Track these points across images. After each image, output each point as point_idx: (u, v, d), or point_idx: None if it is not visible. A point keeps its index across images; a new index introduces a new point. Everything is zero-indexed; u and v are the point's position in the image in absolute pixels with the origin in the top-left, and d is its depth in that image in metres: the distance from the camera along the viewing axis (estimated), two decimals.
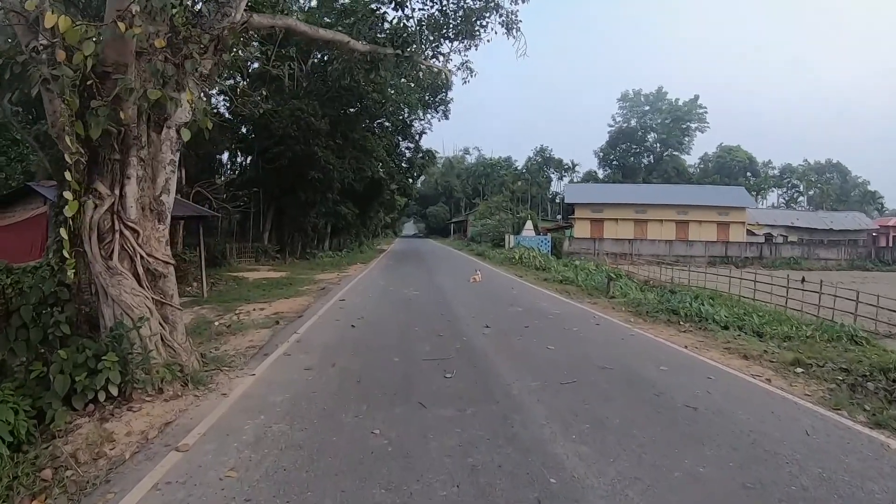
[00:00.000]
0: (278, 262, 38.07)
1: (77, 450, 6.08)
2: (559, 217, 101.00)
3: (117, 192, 7.93)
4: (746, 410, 7.48)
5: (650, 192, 70.76)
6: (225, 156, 43.10)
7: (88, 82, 7.07)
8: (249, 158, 42.48)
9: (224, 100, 38.47)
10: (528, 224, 57.23)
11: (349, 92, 38.67)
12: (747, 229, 65.59)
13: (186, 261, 25.29)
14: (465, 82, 22.57)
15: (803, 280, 25.96)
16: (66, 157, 7.09)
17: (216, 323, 14.61)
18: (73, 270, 7.45)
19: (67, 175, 7.00)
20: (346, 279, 27.47)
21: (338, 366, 9.60)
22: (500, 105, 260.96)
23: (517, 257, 40.08)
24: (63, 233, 7.07)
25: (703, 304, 17.32)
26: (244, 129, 40.46)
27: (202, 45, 8.32)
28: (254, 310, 16.93)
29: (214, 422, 6.88)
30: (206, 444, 6.22)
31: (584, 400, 7.75)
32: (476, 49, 21.50)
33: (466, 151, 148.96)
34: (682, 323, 15.08)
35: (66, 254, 7.19)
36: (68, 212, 7.04)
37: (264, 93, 39.37)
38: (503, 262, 40.61)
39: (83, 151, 7.51)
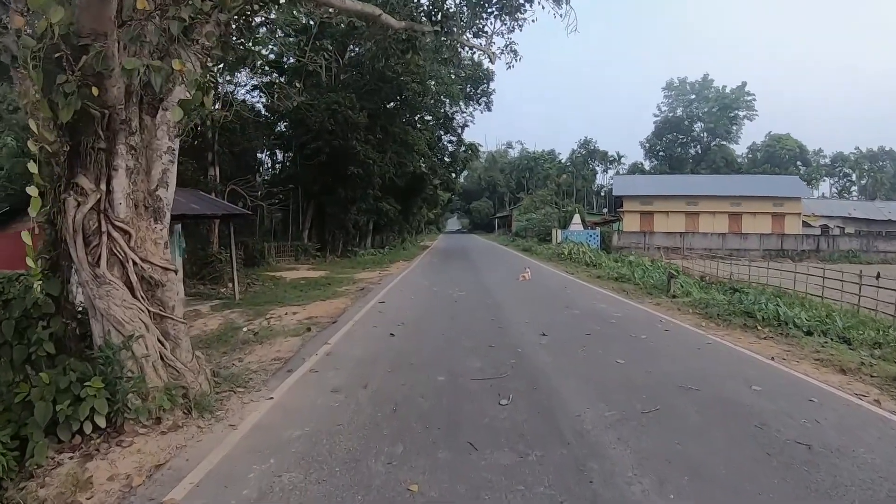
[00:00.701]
0: (318, 260, 37.15)
1: (46, 500, 4.98)
2: (605, 210, 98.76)
3: (103, 186, 6.57)
4: (869, 447, 5.94)
5: (701, 182, 68.04)
6: (264, 154, 42.26)
7: (58, 54, 5.74)
8: (288, 156, 41.46)
9: (259, 95, 37.68)
10: (576, 218, 55.17)
11: (388, 84, 37.46)
12: (802, 221, 62.52)
13: (222, 261, 24.56)
14: (510, 66, 20.97)
15: (878, 276, 23.71)
16: (30, 144, 5.84)
17: (245, 329, 13.67)
18: (40, 281, 6.19)
19: (31, 167, 5.73)
20: (388, 278, 26.16)
21: (370, 387, 8.13)
22: (542, 98, 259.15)
23: (566, 253, 38.27)
24: (25, 237, 5.78)
25: (780, 306, 15.44)
26: (282, 126, 39.50)
27: (198, 8, 6.79)
28: (286, 314, 15.82)
29: (213, 466, 5.57)
30: (197, 499, 4.91)
31: (674, 437, 6.15)
32: (521, 29, 20.00)
33: (509, 145, 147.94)
34: (759, 328, 13.29)
35: (29, 262, 5.95)
36: (31, 211, 5.80)
37: (298, 85, 38.51)
38: (551, 258, 38.88)
39: (60, 139, 6.24)
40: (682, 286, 20.67)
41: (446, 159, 56.70)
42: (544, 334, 11.89)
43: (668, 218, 60.35)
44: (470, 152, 58.42)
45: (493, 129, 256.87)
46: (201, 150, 31.29)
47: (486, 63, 53.94)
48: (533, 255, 44.45)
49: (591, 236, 48.97)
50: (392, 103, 41.27)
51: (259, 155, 40.07)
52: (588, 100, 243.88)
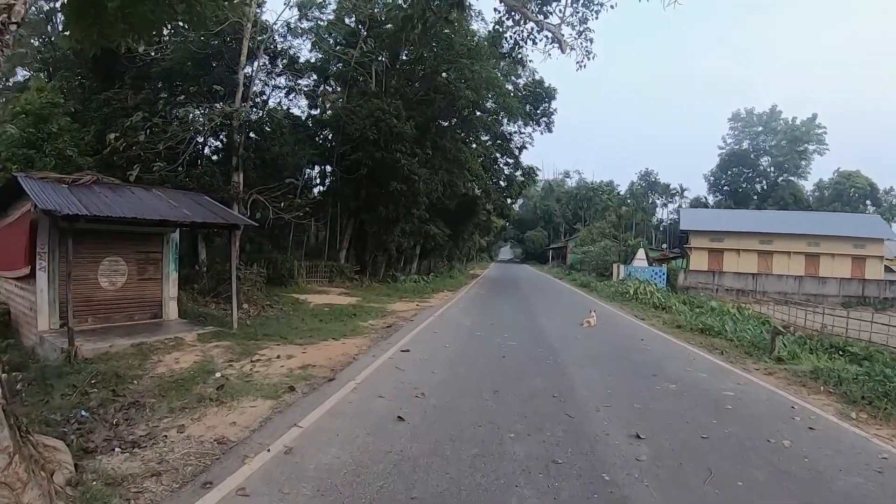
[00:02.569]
0: (355, 284, 33.56)
1: None
2: (664, 246, 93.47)
3: None
4: None
5: (775, 219, 61.88)
6: (304, 166, 38.86)
7: None
8: (328, 168, 37.92)
9: (295, 98, 34.46)
10: (640, 253, 50.20)
11: (440, 95, 33.81)
12: (885, 265, 56.31)
13: (240, 278, 20.96)
14: (581, 66, 16.99)
15: None
16: None
17: (218, 374, 10.59)
18: None
19: None
20: (425, 312, 22.21)
21: None
22: (601, 127, 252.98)
23: (631, 292, 33.66)
24: None
25: None
26: (324, 137, 36.07)
27: None
28: (279, 356, 12.32)
29: None
30: None
31: None
32: (596, 17, 16.14)
33: (567, 174, 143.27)
34: None
35: None
36: None
37: (338, 88, 35.08)
38: (614, 298, 34.19)
39: None
40: (784, 345, 16.27)
41: (501, 183, 52.69)
42: (638, 437, 7.49)
43: (738, 257, 54.87)
44: (527, 176, 54.11)
45: (551, 156, 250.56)
46: (227, 155, 28.21)
47: (547, 82, 51.31)
48: (592, 292, 39.79)
49: (656, 274, 44.13)
50: (444, 120, 37.50)
51: (304, 168, 36.67)
52: (650, 131, 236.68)
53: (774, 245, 54.81)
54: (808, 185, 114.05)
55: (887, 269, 55.97)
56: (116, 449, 6.71)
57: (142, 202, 15.07)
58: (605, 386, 10.44)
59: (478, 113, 38.51)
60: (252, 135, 27.49)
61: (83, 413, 8.08)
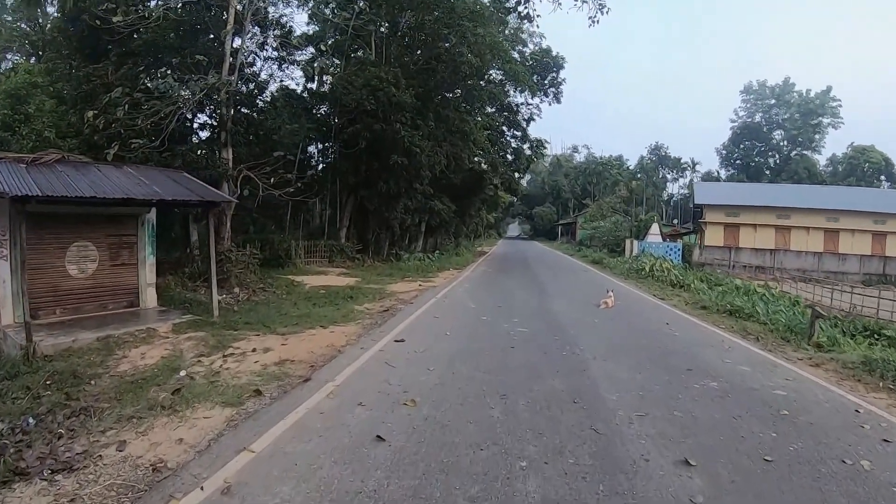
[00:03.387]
0: (356, 264, 32.01)
1: None
2: (675, 221, 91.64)
3: None
4: None
5: (794, 193, 59.05)
6: (303, 141, 36.95)
7: None
8: (328, 144, 36.10)
9: (288, 70, 32.64)
10: (654, 228, 48.20)
11: (442, 64, 31.93)
12: None
13: (232, 260, 20.18)
14: (594, 22, 15.24)
15: None
16: None
17: (183, 373, 9.21)
18: None
19: None
20: (427, 294, 20.59)
21: None
22: (609, 102, 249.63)
23: (647, 269, 31.87)
24: None
25: None
26: (322, 111, 34.24)
27: None
28: (255, 350, 10.89)
29: None
30: None
31: None
32: None
33: (575, 149, 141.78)
34: None
35: None
36: None
37: (336, 61, 33.23)
38: (629, 275, 32.42)
39: None
40: (821, 328, 14.63)
41: (509, 157, 50.71)
42: (688, 462, 5.79)
43: (755, 232, 52.59)
44: (535, 148, 52.05)
45: (559, 132, 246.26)
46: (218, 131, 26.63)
47: (554, 50, 49.45)
48: (605, 269, 37.98)
49: (671, 250, 42.33)
50: (448, 91, 35.57)
51: (301, 144, 34.88)
52: (659, 104, 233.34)
53: (792, 220, 52.55)
54: (821, 160, 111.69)
55: None
56: (40, 474, 5.53)
57: (108, 181, 13.55)
58: (636, 385, 8.78)
59: (482, 83, 36.68)
60: (243, 109, 25.91)
61: (30, 421, 6.93)
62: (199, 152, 22.69)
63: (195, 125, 27.32)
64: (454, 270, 33.05)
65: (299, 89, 34.46)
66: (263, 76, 30.78)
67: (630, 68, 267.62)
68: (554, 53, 47.74)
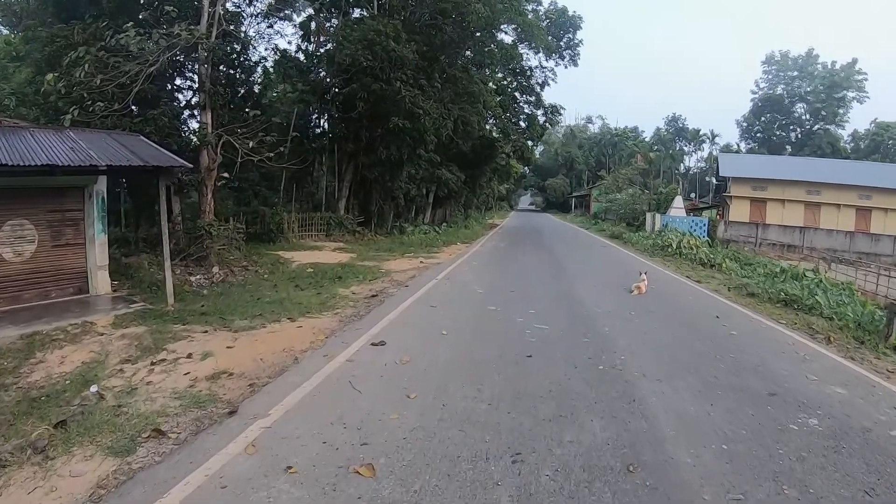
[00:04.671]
0: (356, 238, 29.44)
1: None
2: (692, 195, 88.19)
3: None
4: None
5: (826, 168, 55.06)
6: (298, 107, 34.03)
7: None
8: (325, 108, 33.21)
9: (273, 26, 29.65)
10: (678, 201, 44.62)
11: (448, 18, 28.84)
12: None
13: (213, 235, 18.40)
14: None
15: None
16: None
17: (94, 389, 6.98)
18: None
19: None
20: (427, 273, 17.86)
21: None
22: (626, 70, 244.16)
23: (674, 246, 28.87)
24: None
25: None
26: (317, 73, 31.29)
27: None
28: (190, 355, 8.34)
29: None
30: None
31: None
32: None
33: (589, 120, 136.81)
34: None
35: None
36: None
37: (335, 21, 30.25)
38: (654, 252, 29.42)
39: None
40: None
41: (521, 124, 47.56)
42: None
43: (783, 208, 49.56)
44: (551, 116, 48.74)
45: (573, 102, 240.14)
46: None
47: (571, 9, 46.13)
48: (627, 244, 34.81)
49: (696, 224, 39.09)
50: (456, 50, 32.45)
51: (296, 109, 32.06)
52: (676, 74, 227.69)
53: (823, 196, 49.60)
54: (844, 135, 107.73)
55: None
56: None
57: (36, 146, 11.28)
58: (713, 429, 5.93)
59: (493, 45, 33.72)
60: (224, 69, 23.17)
61: None
62: (173, 117, 20.00)
63: (176, 88, 24.78)
64: (462, 245, 30.22)
65: (293, 50, 31.53)
66: (251, 33, 27.95)
67: (646, 38, 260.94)
68: (570, 13, 44.53)
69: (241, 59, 24.07)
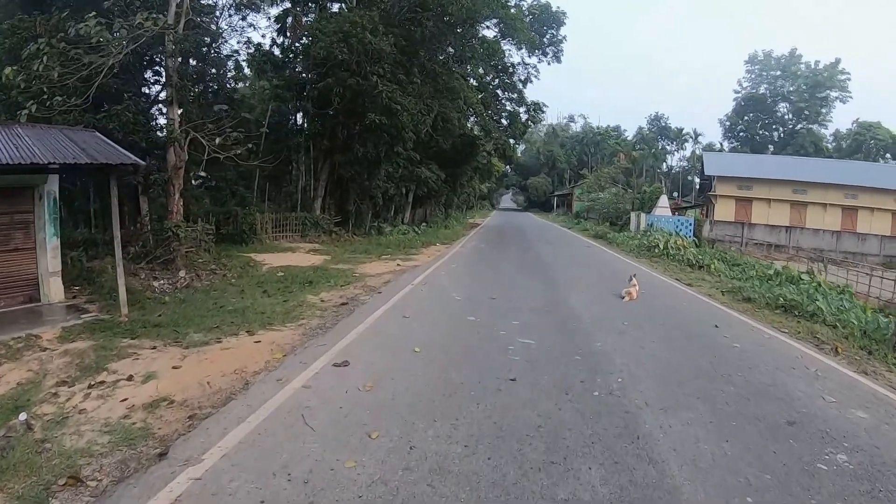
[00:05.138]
0: (333, 238, 28.31)
1: None
2: (675, 194, 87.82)
3: None
4: None
5: (812, 167, 54.42)
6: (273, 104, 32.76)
7: None
8: (302, 105, 32.04)
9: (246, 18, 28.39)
10: (663, 200, 43.88)
11: (428, 12, 27.80)
12: None
13: (179, 238, 17.43)
14: None
15: None
16: None
17: (22, 417, 6.02)
18: None
19: None
20: (403, 278, 16.78)
21: None
22: (608, 69, 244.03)
23: (661, 246, 28.00)
24: None
25: None
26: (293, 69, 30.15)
27: None
28: (131, 378, 7.27)
29: None
30: None
31: None
32: None
33: (571, 119, 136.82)
34: None
35: None
36: None
37: (312, 16, 29.11)
38: (640, 253, 28.54)
39: None
40: None
41: (503, 121, 46.55)
42: None
43: (769, 207, 48.93)
44: (533, 113, 47.54)
45: (555, 101, 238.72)
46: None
47: (554, 5, 45.25)
48: (612, 244, 33.87)
49: (682, 224, 38.39)
50: (436, 46, 31.33)
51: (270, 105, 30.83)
52: (659, 75, 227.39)
53: (809, 195, 48.96)
54: (827, 135, 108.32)
55: None
56: None
57: None
58: (734, 476, 4.91)
59: (474, 41, 32.73)
60: (195, 62, 22.41)
61: None
62: (138, 112, 18.92)
63: (144, 82, 23.58)
64: (441, 246, 29.15)
65: (268, 44, 30.36)
66: (224, 26, 26.73)
67: (627, 37, 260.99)
68: (554, 9, 43.68)
69: (212, 52, 22.98)
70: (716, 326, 11.49)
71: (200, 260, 17.73)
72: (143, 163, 13.43)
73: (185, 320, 10.46)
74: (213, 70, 23.35)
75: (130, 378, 7.19)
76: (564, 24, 43.76)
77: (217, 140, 19.18)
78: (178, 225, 17.72)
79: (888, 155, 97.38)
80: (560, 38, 43.96)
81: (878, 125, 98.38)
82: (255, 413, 6.01)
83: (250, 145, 21.38)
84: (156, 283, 14.85)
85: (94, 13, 16.18)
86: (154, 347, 8.61)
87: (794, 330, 11.84)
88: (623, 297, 13.82)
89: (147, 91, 23.66)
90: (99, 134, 13.59)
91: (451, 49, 33.48)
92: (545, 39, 43.90)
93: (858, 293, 20.42)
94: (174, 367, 7.67)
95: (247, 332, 9.73)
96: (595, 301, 13.68)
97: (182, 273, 16.05)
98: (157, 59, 21.81)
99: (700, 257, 25.58)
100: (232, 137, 19.33)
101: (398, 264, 20.06)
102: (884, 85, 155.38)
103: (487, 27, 34.68)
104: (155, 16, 17.17)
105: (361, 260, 20.93)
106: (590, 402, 6.62)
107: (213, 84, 23.47)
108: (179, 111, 19.66)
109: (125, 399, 6.49)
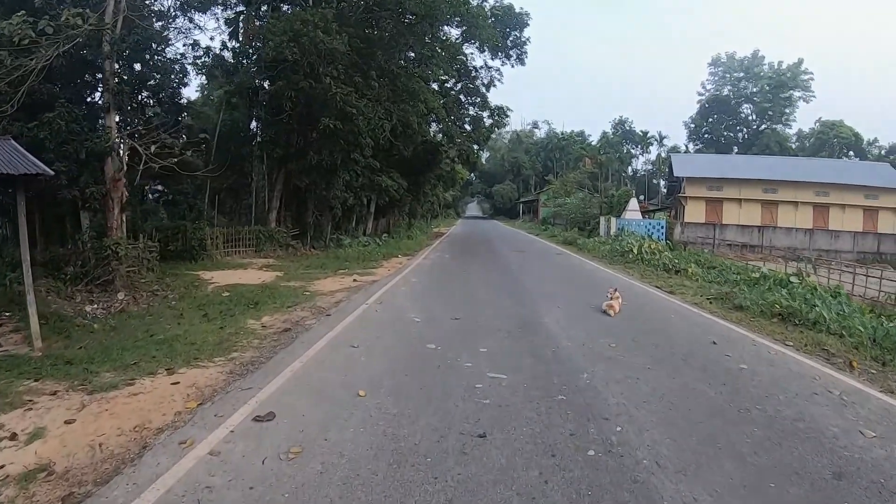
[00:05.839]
0: (290, 252, 26.76)
1: None
2: (641, 197, 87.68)
3: None
4: None
5: (782, 165, 54.95)
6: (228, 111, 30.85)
7: None
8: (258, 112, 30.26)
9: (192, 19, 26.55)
10: (633, 203, 42.75)
11: (386, 12, 26.34)
12: None
13: (119, 256, 16.14)
14: None
15: None
16: None
17: None
18: None
19: None
20: (358, 296, 15.02)
21: None
22: (570, 75, 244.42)
23: (635, 251, 26.74)
24: None
25: None
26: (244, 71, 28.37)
27: None
28: (14, 437, 5.66)
29: None
30: None
31: None
32: None
33: (535, 125, 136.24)
34: None
35: None
36: None
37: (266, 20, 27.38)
38: (613, 259, 27.28)
39: None
40: None
41: (466, 126, 45.22)
42: None
43: (740, 208, 48.47)
44: (497, 118, 46.16)
45: (519, 107, 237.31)
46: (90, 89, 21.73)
47: (517, 6, 44.09)
48: (582, 251, 32.59)
49: (654, 227, 37.32)
50: (395, 49, 29.77)
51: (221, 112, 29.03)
52: (625, 79, 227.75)
53: (780, 194, 48.94)
54: (791, 134, 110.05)
55: None
56: None
57: None
58: None
59: (435, 44, 31.39)
60: (138, 67, 20.73)
61: None
62: (71, 120, 17.20)
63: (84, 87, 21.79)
64: (403, 258, 27.48)
65: (218, 48, 28.60)
66: (170, 27, 24.89)
67: (590, 41, 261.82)
68: (517, 10, 42.59)
69: (155, 55, 21.23)
70: (714, 343, 10.03)
71: (143, 280, 16.46)
72: (52, 172, 11.65)
73: (102, 355, 8.91)
74: (157, 75, 21.55)
75: (14, 437, 5.60)
76: (528, 24, 42.70)
77: (152, 148, 17.62)
78: (118, 242, 16.40)
79: (851, 153, 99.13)
80: (524, 39, 42.88)
81: (841, 123, 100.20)
82: (139, 498, 4.38)
83: (189, 153, 19.70)
84: (89, 308, 13.58)
85: (23, 12, 14.56)
86: (55, 393, 6.96)
87: (799, 342, 10.49)
88: (604, 311, 12.34)
89: (90, 98, 21.96)
90: (13, 142, 12.00)
91: (411, 54, 32.11)
92: (508, 42, 42.78)
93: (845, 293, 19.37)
94: (67, 422, 5.98)
95: (167, 369, 8.02)
96: (573, 318, 12.08)
97: (121, 295, 14.79)
98: (99, 64, 20.12)
99: (676, 261, 24.36)
100: (168, 144, 17.77)
101: (354, 280, 18.41)
102: (845, 83, 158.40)
103: (449, 25, 33.41)
104: (81, 11, 15.58)
105: (316, 276, 19.24)
106: (585, 467, 4.97)
107: (161, 91, 21.72)
108: (118, 118, 18.17)
109: (2, 466, 4.95)
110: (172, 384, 7.40)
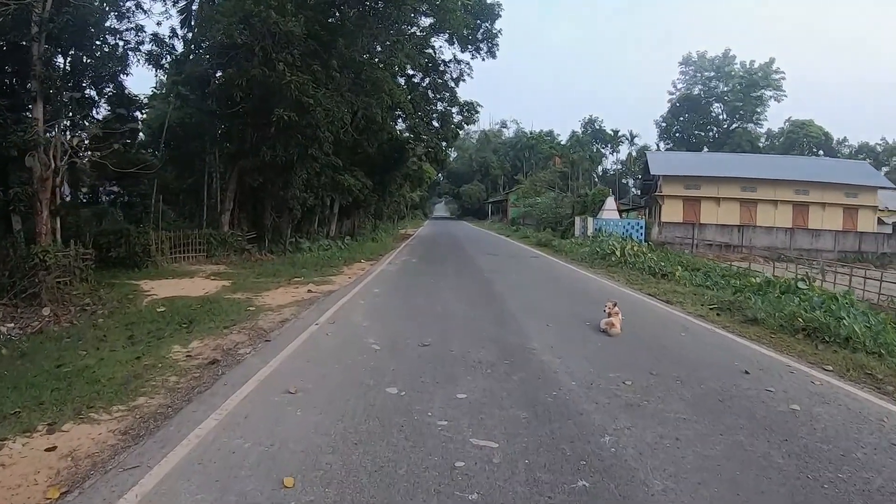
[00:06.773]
0: (244, 258, 24.50)
1: None
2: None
3: None
4: None
5: (760, 163, 54.99)
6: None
7: None
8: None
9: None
10: (610, 202, 41.07)
11: None
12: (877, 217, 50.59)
13: (47, 265, 14.37)
14: None
15: None
16: None
17: None
18: None
19: None
20: (308, 313, 12.84)
21: None
22: (539, 74, 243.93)
23: (618, 253, 25.05)
24: None
25: None
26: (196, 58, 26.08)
27: None
28: None
29: None
30: None
31: None
32: None
33: (504, 125, 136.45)
34: None
35: None
36: None
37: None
38: (593, 261, 25.61)
39: None
40: None
41: (435, 123, 43.37)
42: None
43: (718, 207, 47.72)
44: (467, 114, 44.36)
45: (487, 107, 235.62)
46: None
47: None
48: (559, 253, 30.83)
49: (633, 228, 35.89)
50: (358, 41, 27.71)
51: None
52: (594, 78, 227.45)
53: (759, 193, 48.72)
54: (762, 133, 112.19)
55: (879, 222, 50.66)
56: None
57: None
58: None
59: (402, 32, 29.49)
60: (73, 52, 18.51)
61: None
62: None
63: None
64: (366, 263, 25.35)
65: (167, 35, 26.21)
66: (109, 10, 22.52)
67: (558, 39, 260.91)
68: (489, 1, 40.91)
69: (94, 40, 18.98)
70: (746, 373, 8.08)
71: (74, 293, 14.59)
72: None
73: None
74: (90, 60, 19.32)
75: None
76: (500, 16, 41.20)
77: (75, 141, 15.47)
78: (46, 250, 14.54)
79: (821, 151, 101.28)
80: (495, 31, 41.34)
81: (811, 122, 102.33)
82: None
83: (117, 145, 17.51)
84: (4, 328, 11.53)
85: None
86: None
87: (839, 366, 8.83)
88: (603, 330, 10.35)
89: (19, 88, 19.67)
90: None
91: (377, 47, 30.24)
92: (479, 35, 41.16)
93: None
94: None
95: (49, 425, 5.95)
96: (568, 342, 9.93)
97: (46, 311, 12.92)
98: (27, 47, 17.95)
99: (662, 264, 22.71)
100: (102, 138, 15.68)
101: (309, 290, 16.29)
102: (814, 82, 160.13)
103: (416, 16, 31.70)
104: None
105: (266, 286, 17.04)
106: None
107: (102, 82, 19.54)
108: (48, 109, 16.11)
109: None
110: (47, 450, 5.36)
